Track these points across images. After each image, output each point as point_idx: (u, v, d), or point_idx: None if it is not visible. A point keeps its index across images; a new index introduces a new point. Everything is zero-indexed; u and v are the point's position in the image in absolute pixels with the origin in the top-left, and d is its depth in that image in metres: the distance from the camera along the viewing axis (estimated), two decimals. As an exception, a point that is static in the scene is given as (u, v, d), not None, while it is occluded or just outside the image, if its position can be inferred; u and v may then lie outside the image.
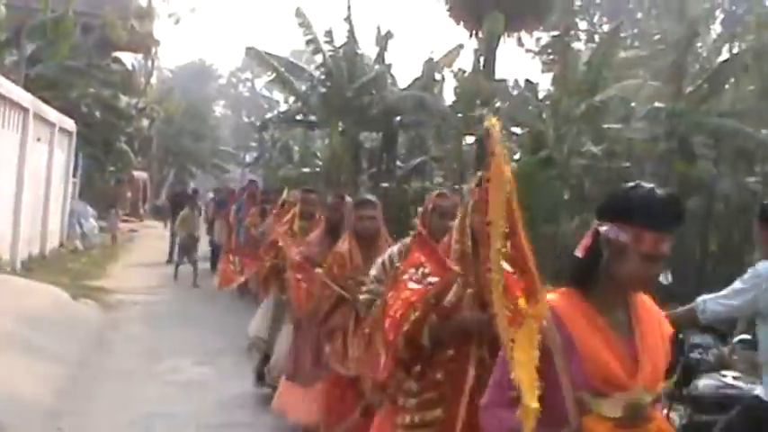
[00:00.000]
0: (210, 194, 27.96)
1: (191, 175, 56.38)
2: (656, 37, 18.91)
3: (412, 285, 4.10)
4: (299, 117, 28.84)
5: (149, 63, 45.55)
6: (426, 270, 4.13)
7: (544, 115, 20.39)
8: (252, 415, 8.57)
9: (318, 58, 25.89)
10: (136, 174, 42.40)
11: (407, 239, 5.26)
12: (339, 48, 25.77)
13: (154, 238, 29.66)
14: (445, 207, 5.25)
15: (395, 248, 5.51)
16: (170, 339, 12.31)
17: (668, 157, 17.45)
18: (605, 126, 19.40)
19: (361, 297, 5.49)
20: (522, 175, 18.86)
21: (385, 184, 25.02)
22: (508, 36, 23.23)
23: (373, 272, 5.49)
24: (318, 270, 6.83)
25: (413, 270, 4.25)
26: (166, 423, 8.04)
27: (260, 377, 9.31)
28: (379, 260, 5.53)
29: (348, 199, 7.81)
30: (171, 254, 23.22)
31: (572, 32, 21.58)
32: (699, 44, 19.54)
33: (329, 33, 25.68)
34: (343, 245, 6.69)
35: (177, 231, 20.68)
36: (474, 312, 4.08)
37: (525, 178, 18.49)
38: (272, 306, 9.31)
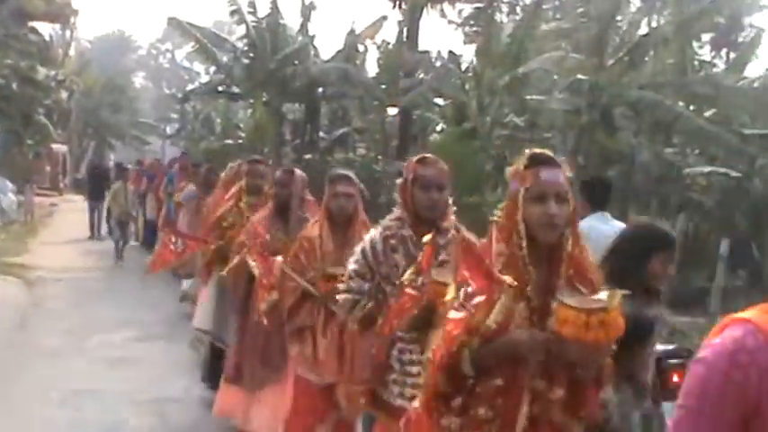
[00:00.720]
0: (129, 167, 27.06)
1: (111, 147, 55.58)
2: (579, 10, 19.05)
3: (453, 315, 3.20)
4: (221, 88, 28.63)
5: (67, 33, 44.72)
6: (470, 289, 3.20)
7: (467, 87, 20.52)
8: (183, 390, 8.55)
9: (242, 29, 25.72)
10: (55, 147, 41.69)
11: (390, 222, 4.60)
12: (262, 19, 25.61)
13: (74, 211, 29.18)
14: (429, 177, 4.53)
15: (376, 235, 4.61)
16: (96, 316, 12.20)
17: (590, 129, 17.70)
18: (528, 97, 19.59)
19: (341, 297, 4.68)
20: (446, 146, 19.02)
21: (308, 156, 25.01)
22: (431, 7, 23.21)
23: (353, 266, 4.65)
24: (277, 258, 6.06)
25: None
26: (97, 400, 7.99)
27: (209, 376, 8.14)
28: (358, 249, 4.68)
29: (298, 173, 6.86)
30: (92, 229, 23.26)
31: (495, 4, 21.66)
32: (619, 17, 19.79)
33: (252, 4, 25.48)
34: (313, 228, 5.76)
35: (111, 207, 19.77)
36: (527, 331, 3.14)
37: (448, 149, 18.62)
38: (215, 294, 8.00)
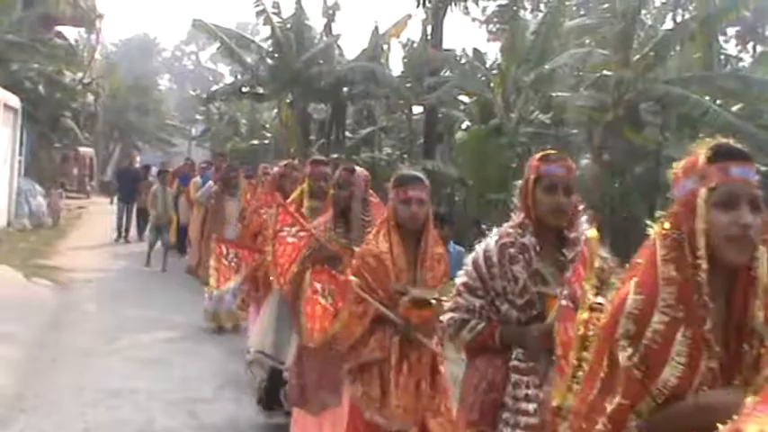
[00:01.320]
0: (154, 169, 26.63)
1: (137, 149, 55.93)
2: (604, 5, 19.01)
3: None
4: (246, 89, 28.75)
5: (93, 37, 44.93)
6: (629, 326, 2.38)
7: (492, 84, 20.54)
8: (214, 390, 8.61)
9: (266, 30, 25.84)
10: (82, 150, 41.97)
11: (509, 229, 3.94)
12: (287, 19, 25.72)
13: (102, 214, 29.35)
14: (555, 176, 3.92)
15: (491, 243, 3.93)
16: (128, 317, 12.27)
17: (616, 125, 17.66)
18: (553, 94, 19.61)
19: (446, 316, 4.06)
20: (472, 143, 19.07)
21: (334, 156, 25.05)
22: (455, 5, 23.20)
23: (463, 278, 3.98)
24: (352, 278, 4.92)
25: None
26: (130, 399, 8.06)
27: (268, 402, 7.51)
28: (469, 260, 3.99)
29: (359, 170, 6.11)
30: (119, 231, 23.21)
31: (518, 1, 21.63)
32: (644, 12, 19.75)
33: (277, 5, 25.63)
34: (378, 241, 4.92)
35: (149, 210, 18.67)
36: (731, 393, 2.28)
37: (474, 147, 18.67)
38: (275, 311, 7.25)
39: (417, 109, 25.37)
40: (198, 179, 17.09)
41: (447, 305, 4.08)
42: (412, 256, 4.89)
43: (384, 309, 4.80)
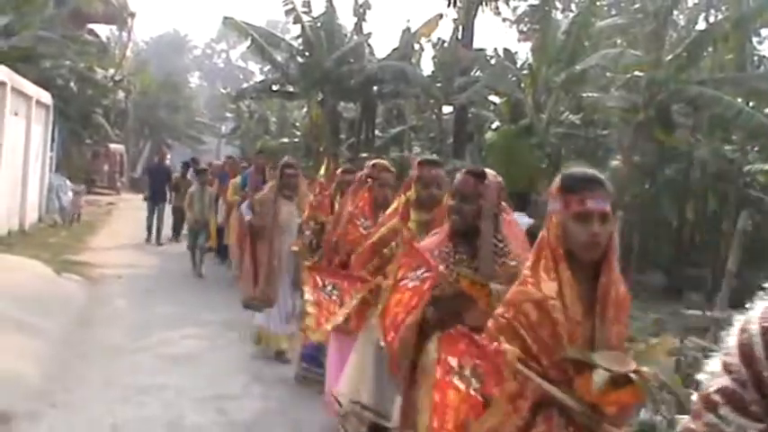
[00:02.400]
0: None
1: (167, 146, 56.23)
2: (635, 6, 18.93)
3: None
4: (276, 87, 28.80)
5: (124, 34, 45.22)
6: None
7: (523, 84, 20.49)
8: (243, 386, 8.63)
9: (297, 29, 25.86)
10: (112, 146, 42.24)
11: None
12: (318, 18, 25.75)
13: (132, 210, 29.45)
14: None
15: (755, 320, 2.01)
16: (157, 313, 12.32)
17: (647, 126, 17.57)
18: (584, 95, 19.52)
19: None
20: (501, 143, 19.02)
21: (364, 155, 25.06)
22: (486, 5, 23.15)
23: (722, 382, 2.01)
24: (505, 346, 3.35)
25: None
26: (159, 396, 8.08)
27: None
28: (733, 343, 2.05)
29: (491, 177, 4.55)
30: (149, 231, 21.89)
31: (550, 1, 21.55)
32: (676, 13, 19.63)
33: (307, 3, 25.66)
34: (540, 275, 3.37)
35: (186, 211, 17.50)
36: None
37: (504, 147, 18.63)
38: (371, 354, 5.81)
39: (447, 108, 25.35)
40: (238, 179, 15.85)
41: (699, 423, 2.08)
42: (587, 301, 3.38)
43: (557, 391, 3.27)
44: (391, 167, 7.35)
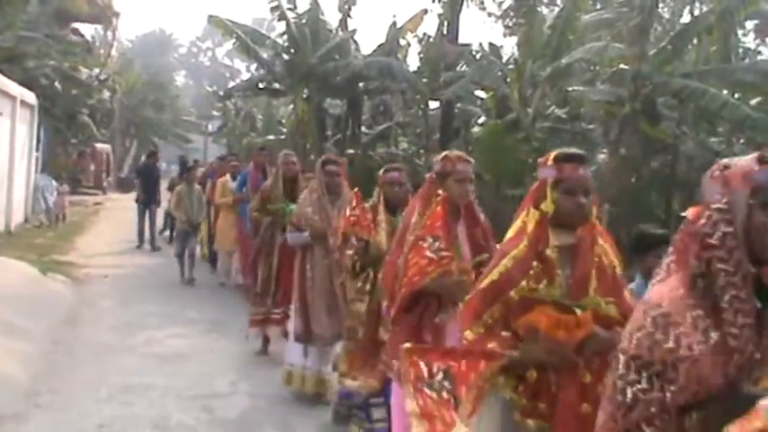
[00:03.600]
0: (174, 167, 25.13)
1: (153, 145, 56.14)
2: (620, -1, 18.97)
3: None
4: (262, 85, 28.71)
5: (109, 33, 45.09)
6: None
7: (509, 79, 20.46)
8: (229, 385, 8.62)
9: (282, 26, 25.81)
10: (98, 146, 42.17)
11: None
12: (303, 14, 25.71)
13: (119, 210, 29.45)
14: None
15: None
16: (143, 313, 12.29)
17: (632, 119, 17.56)
18: (570, 89, 19.50)
19: None
20: (488, 138, 19.02)
21: (350, 151, 25.04)
22: (471, 0, 23.14)
23: None
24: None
25: None
26: (145, 395, 8.06)
27: None
28: None
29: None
30: (141, 236, 20.73)
31: (534, -5, 21.54)
32: (661, 6, 19.64)
33: (292, 0, 25.57)
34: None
35: (174, 213, 16.31)
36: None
37: (491, 142, 18.62)
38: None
39: (434, 104, 25.31)
40: (227, 178, 15.02)
41: None
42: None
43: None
44: (468, 157, 5.59)
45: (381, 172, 6.58)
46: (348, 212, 6.62)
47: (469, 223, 5.32)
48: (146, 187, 20.82)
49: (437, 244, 4.92)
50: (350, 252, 6.47)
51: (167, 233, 21.68)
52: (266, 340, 9.99)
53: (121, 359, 9.47)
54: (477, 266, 4.88)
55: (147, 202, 20.63)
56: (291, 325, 8.34)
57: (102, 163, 43.24)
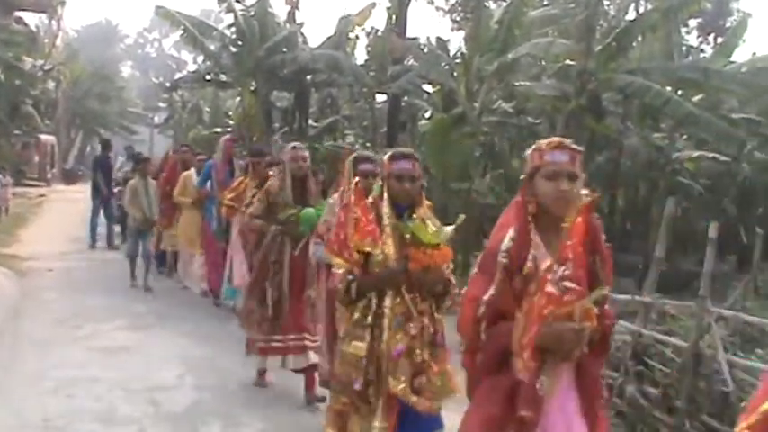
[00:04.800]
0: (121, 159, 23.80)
1: (99, 137, 55.60)
2: (566, -4, 19.13)
3: None
4: (209, 77, 28.59)
5: (54, 23, 44.54)
6: None
7: (456, 73, 20.54)
8: (175, 378, 8.58)
9: (229, 18, 25.70)
10: (43, 137, 41.64)
11: None
12: (250, 7, 25.65)
13: (64, 202, 29.16)
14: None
15: None
16: (88, 305, 12.18)
17: (578, 114, 17.74)
18: (516, 84, 19.67)
19: None
20: (435, 132, 19.08)
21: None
22: (419, -6, 23.23)
23: None
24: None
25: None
26: (90, 388, 8.00)
27: None
28: None
29: None
30: (94, 236, 19.05)
31: (482, -10, 21.63)
32: (607, 3, 19.85)
33: (240, -8, 25.48)
34: None
35: (128, 210, 14.29)
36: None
37: (438, 136, 18.69)
38: None
39: (381, 98, 25.38)
40: (191, 173, 13.63)
41: None
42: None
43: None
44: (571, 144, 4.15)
45: (387, 160, 5.06)
46: (342, 213, 5.11)
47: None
48: (104, 181, 19.46)
49: (561, 271, 3.62)
50: (340, 270, 4.95)
51: (117, 229, 19.94)
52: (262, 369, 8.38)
53: (66, 352, 9.39)
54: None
55: (104, 197, 19.36)
56: (316, 359, 7.62)
57: (47, 154, 42.72)
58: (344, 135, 28.03)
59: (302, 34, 26.94)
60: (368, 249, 4.83)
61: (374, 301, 4.85)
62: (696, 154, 20.33)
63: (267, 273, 7.91)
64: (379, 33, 24.89)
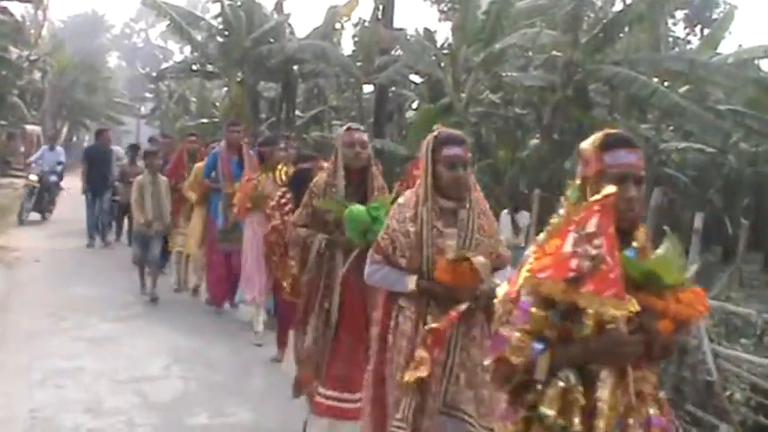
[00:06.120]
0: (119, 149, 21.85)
1: (85, 127, 55.37)
2: (553, -14, 19.14)
3: None
4: (196, 67, 28.58)
5: (40, 13, 44.34)
6: None
7: (443, 64, 20.56)
8: (162, 369, 8.58)
9: (216, 8, 25.66)
10: (29, 128, 41.40)
11: None
12: (238, -4, 25.62)
13: (50, 192, 28.94)
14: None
15: None
16: (75, 296, 12.15)
17: (564, 105, 17.78)
18: (503, 74, 19.68)
19: None
20: (422, 123, 19.10)
21: (285, 134, 24.98)
22: (406, -16, 23.23)
23: None
24: None
25: None
26: (77, 379, 8.00)
27: None
28: None
29: None
30: (92, 233, 17.77)
31: (469, -19, 21.63)
32: (594, -7, 19.88)
33: (227, -18, 25.43)
34: None
35: (133, 212, 12.50)
36: None
37: (425, 126, 18.68)
38: None
39: (368, 88, 25.38)
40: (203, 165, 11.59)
41: None
42: None
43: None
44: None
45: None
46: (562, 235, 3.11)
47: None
48: (95, 174, 17.71)
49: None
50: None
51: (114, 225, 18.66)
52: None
53: (52, 343, 9.38)
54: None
55: (97, 190, 17.73)
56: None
57: (33, 145, 42.45)
58: (331, 125, 28.04)
59: (289, 24, 26.98)
60: (612, 313, 2.87)
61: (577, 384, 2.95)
62: (682, 145, 20.41)
63: (314, 295, 6.02)
64: (367, 24, 24.88)
